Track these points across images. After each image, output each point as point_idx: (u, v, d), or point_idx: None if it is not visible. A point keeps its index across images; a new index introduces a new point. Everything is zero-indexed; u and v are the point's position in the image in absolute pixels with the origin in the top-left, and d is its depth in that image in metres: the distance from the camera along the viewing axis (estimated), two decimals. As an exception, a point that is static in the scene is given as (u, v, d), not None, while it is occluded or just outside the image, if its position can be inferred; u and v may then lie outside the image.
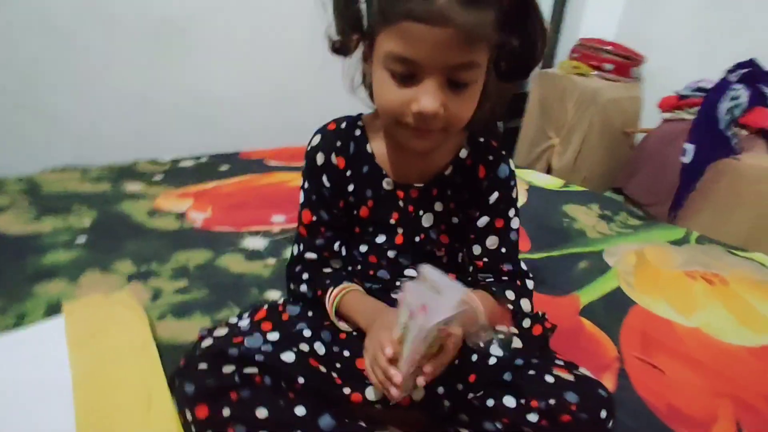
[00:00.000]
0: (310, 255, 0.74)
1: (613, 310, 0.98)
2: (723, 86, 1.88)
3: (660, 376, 0.81)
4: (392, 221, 0.72)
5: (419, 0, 0.50)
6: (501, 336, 0.60)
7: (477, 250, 0.72)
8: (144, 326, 0.79)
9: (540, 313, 0.74)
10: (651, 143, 2.06)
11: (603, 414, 0.59)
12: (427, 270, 0.51)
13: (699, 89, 1.96)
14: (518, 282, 0.72)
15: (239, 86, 1.98)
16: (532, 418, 0.59)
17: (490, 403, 0.61)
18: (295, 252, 0.75)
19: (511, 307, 0.70)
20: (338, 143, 0.70)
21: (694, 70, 2.02)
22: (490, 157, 0.70)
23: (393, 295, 0.72)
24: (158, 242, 1.10)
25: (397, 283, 0.73)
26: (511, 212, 0.72)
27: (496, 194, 0.70)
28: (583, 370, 0.65)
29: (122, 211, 1.22)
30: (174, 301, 0.90)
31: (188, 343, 0.78)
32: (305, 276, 0.73)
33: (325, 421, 0.60)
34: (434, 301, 0.49)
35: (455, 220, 0.72)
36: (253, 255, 1.08)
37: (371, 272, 0.74)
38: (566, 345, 0.72)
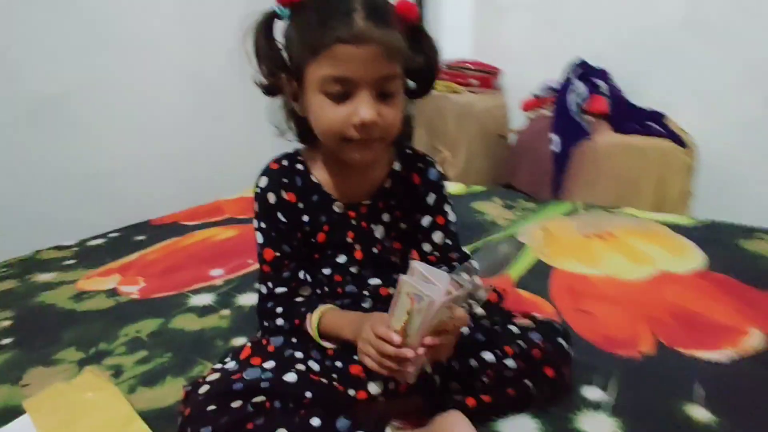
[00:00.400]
0: (280, 289, 0.78)
1: (539, 278, 1.14)
2: (567, 83, 2.25)
3: (592, 318, 0.97)
4: (349, 240, 0.78)
5: (343, 27, 0.61)
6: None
7: (427, 247, 0.82)
8: (120, 400, 0.76)
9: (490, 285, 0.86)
10: (524, 140, 2.37)
11: (563, 342, 0.72)
12: (416, 264, 0.60)
13: (550, 88, 2.33)
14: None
15: (129, 155, 1.93)
16: (510, 363, 0.69)
17: (473, 363, 0.71)
18: (264, 291, 0.79)
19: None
20: (285, 180, 0.76)
21: (541, 73, 2.38)
22: (420, 164, 0.81)
23: (363, 305, 0.79)
24: (98, 322, 1.04)
25: (365, 293, 0.80)
26: (447, 207, 0.82)
27: (432, 195, 0.80)
28: (536, 315, 0.77)
29: (43, 303, 1.13)
30: (140, 372, 0.87)
31: (171, 405, 0.77)
32: (279, 310, 0.77)
33: (342, 423, 0.64)
34: (430, 286, 0.57)
35: (403, 226, 0.82)
36: (205, 311, 1.07)
37: (339, 290, 0.79)
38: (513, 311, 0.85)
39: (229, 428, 0.60)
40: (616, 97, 2.25)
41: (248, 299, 1.11)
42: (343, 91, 0.64)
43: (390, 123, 0.67)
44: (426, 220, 0.81)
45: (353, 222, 0.78)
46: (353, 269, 0.79)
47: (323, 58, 0.63)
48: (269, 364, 0.69)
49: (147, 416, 0.75)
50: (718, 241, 1.25)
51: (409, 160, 0.81)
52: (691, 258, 1.19)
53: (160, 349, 0.94)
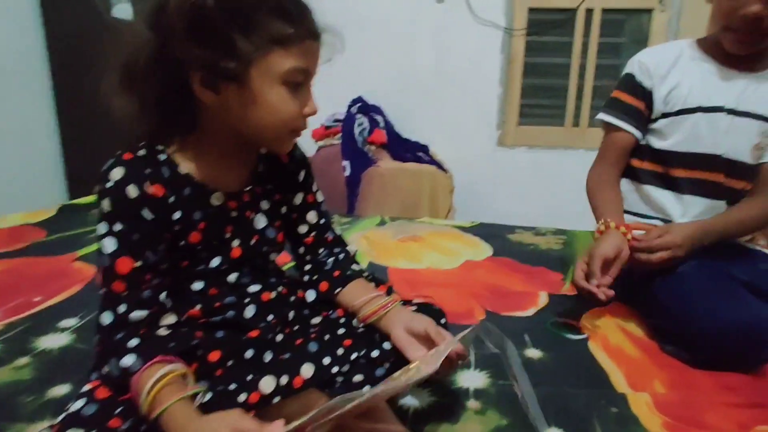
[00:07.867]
0: (138, 313, 0.61)
1: (379, 275, 1.22)
2: (351, 117, 2.50)
3: (434, 301, 1.10)
4: (227, 235, 0.71)
5: (311, 23, 0.62)
6: None
7: (303, 228, 0.80)
8: None
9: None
10: (317, 167, 2.49)
11: (443, 321, 0.80)
12: None
13: (336, 120, 2.54)
14: (346, 248, 0.85)
15: None
16: None
17: (375, 353, 0.73)
18: (109, 319, 0.61)
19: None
20: (147, 170, 0.64)
21: (327, 106, 2.58)
22: None
23: (246, 316, 0.71)
24: None
25: (246, 300, 0.72)
26: (315, 187, 0.82)
27: (302, 172, 0.79)
28: (414, 300, 0.85)
29: None
30: None
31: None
32: (133, 343, 0.59)
33: None
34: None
35: (284, 210, 0.78)
36: None
37: (217, 305, 0.70)
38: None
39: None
40: (390, 130, 2.61)
41: (54, 341, 0.86)
42: (299, 83, 0.63)
43: None
44: (298, 197, 0.79)
45: (233, 214, 0.71)
46: (231, 278, 0.72)
47: (292, 49, 0.61)
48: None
49: None
50: (493, 236, 1.58)
51: None
52: (482, 249, 1.47)
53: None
